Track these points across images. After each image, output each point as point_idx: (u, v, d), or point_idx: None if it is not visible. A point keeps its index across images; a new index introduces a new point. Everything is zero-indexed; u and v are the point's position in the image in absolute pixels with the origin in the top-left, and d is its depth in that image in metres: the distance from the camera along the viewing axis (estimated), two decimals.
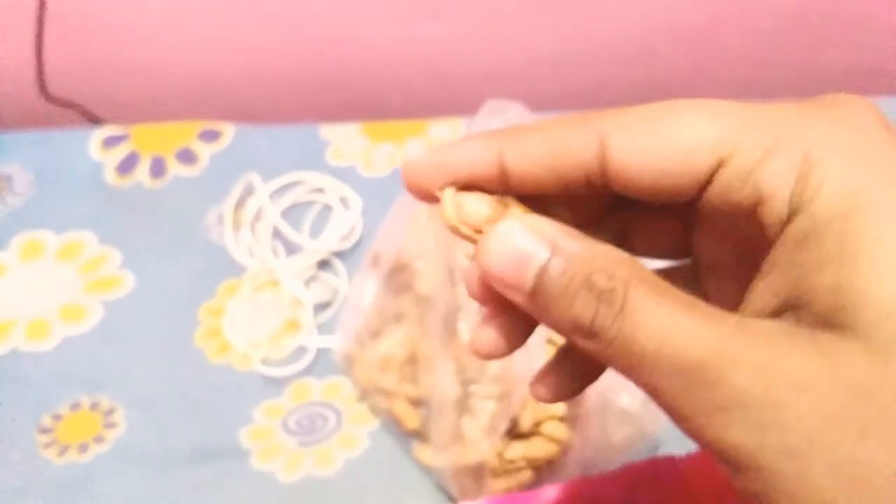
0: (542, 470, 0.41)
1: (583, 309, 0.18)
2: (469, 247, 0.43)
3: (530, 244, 0.19)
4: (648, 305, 0.18)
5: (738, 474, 0.17)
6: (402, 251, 0.46)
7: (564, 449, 0.40)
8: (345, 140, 0.58)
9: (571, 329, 0.19)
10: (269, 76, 0.66)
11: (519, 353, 0.39)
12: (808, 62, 0.67)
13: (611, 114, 0.20)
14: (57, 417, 0.47)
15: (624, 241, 0.24)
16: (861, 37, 0.66)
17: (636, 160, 0.19)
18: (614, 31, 0.65)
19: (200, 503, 0.44)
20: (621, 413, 0.38)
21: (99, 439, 0.47)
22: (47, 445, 0.46)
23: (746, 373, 0.17)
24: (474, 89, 0.63)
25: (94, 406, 0.48)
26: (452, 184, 0.22)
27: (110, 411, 0.48)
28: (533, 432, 0.41)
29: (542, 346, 0.40)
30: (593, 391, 0.38)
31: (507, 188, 0.21)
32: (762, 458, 0.17)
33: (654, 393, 0.18)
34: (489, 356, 0.22)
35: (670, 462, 0.38)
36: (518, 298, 0.20)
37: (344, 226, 0.54)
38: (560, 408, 0.41)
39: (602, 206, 0.23)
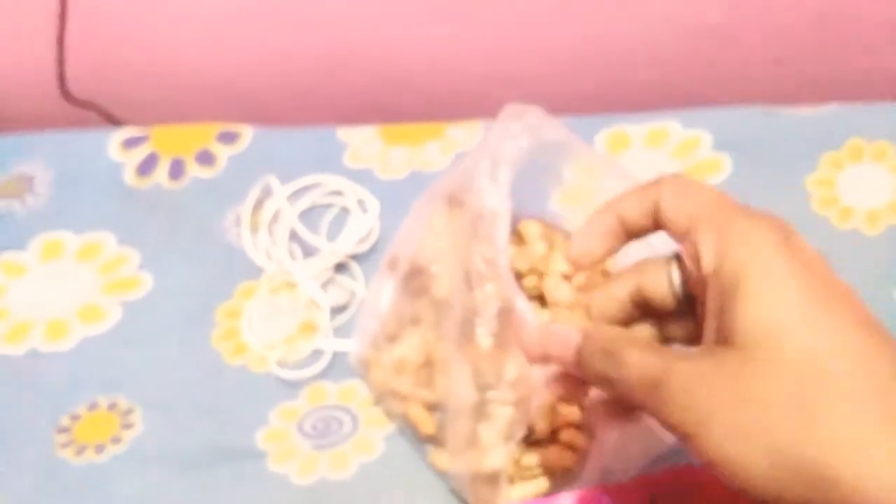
0: (559, 477, 0.41)
1: (605, 367, 0.30)
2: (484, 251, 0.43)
3: (570, 333, 0.31)
4: (632, 358, 0.29)
5: (683, 443, 0.28)
6: (419, 255, 0.46)
7: (581, 457, 0.40)
8: (362, 143, 0.58)
9: (600, 380, 0.30)
10: (287, 78, 0.66)
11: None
12: (827, 64, 0.66)
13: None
14: (75, 417, 0.48)
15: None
16: (880, 39, 0.65)
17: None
18: (632, 34, 0.64)
19: None
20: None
21: (116, 440, 0.47)
22: (65, 445, 0.47)
23: (677, 378, 0.27)
24: (492, 92, 0.63)
25: (111, 406, 0.48)
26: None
27: (128, 412, 0.48)
28: (550, 439, 0.41)
29: None
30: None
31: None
32: (687, 427, 0.27)
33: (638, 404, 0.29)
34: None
35: (689, 472, 0.37)
36: (564, 365, 0.32)
37: (361, 229, 0.54)
38: (577, 415, 0.41)
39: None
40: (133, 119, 0.65)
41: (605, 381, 0.30)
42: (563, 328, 0.31)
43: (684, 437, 0.27)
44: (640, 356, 0.29)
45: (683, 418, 0.27)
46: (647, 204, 0.31)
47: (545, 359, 0.32)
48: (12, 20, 0.62)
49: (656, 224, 0.31)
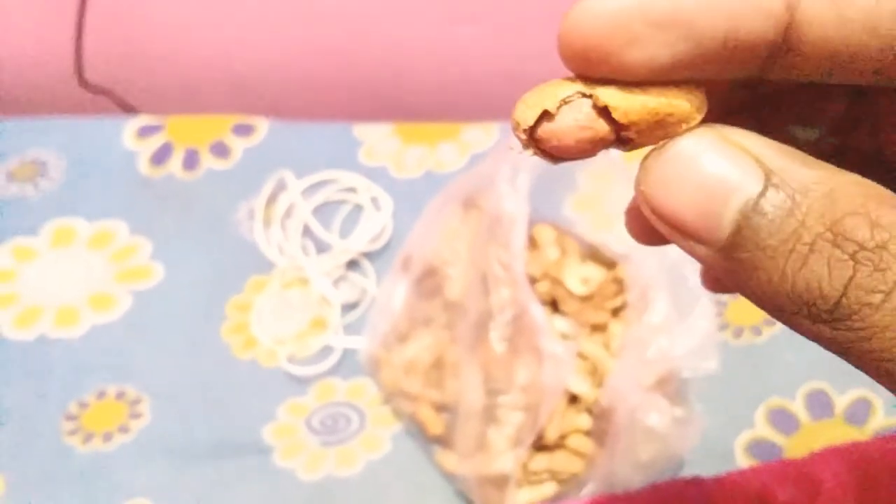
0: (566, 484, 0.41)
1: (824, 274, 0.12)
2: (503, 254, 0.43)
3: (732, 169, 0.13)
4: None
5: None
6: (434, 255, 0.46)
7: (589, 464, 0.40)
8: (378, 140, 0.58)
9: (793, 302, 0.12)
10: (304, 73, 0.66)
11: (548, 366, 0.39)
12: None
13: None
14: (83, 405, 0.48)
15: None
16: None
17: None
18: None
19: (221, 498, 0.45)
20: (649, 431, 0.38)
21: (123, 429, 0.47)
22: (72, 433, 0.47)
23: None
24: (509, 94, 0.63)
25: (120, 395, 0.48)
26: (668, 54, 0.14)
27: (136, 401, 0.48)
28: (558, 445, 0.41)
29: (571, 360, 0.40)
30: (622, 408, 0.38)
31: (776, 66, 0.14)
32: None
33: None
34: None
35: (696, 483, 0.37)
36: (701, 252, 0.13)
37: (374, 226, 0.54)
38: (586, 422, 0.41)
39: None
40: (149, 108, 0.65)
41: (810, 312, 0.13)
42: (721, 159, 0.13)
43: None
44: None
45: None
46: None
47: (660, 222, 0.14)
48: (32, 5, 0.62)
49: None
